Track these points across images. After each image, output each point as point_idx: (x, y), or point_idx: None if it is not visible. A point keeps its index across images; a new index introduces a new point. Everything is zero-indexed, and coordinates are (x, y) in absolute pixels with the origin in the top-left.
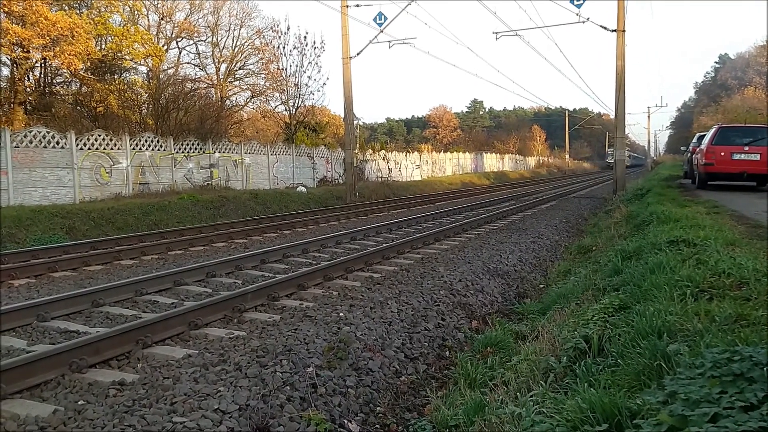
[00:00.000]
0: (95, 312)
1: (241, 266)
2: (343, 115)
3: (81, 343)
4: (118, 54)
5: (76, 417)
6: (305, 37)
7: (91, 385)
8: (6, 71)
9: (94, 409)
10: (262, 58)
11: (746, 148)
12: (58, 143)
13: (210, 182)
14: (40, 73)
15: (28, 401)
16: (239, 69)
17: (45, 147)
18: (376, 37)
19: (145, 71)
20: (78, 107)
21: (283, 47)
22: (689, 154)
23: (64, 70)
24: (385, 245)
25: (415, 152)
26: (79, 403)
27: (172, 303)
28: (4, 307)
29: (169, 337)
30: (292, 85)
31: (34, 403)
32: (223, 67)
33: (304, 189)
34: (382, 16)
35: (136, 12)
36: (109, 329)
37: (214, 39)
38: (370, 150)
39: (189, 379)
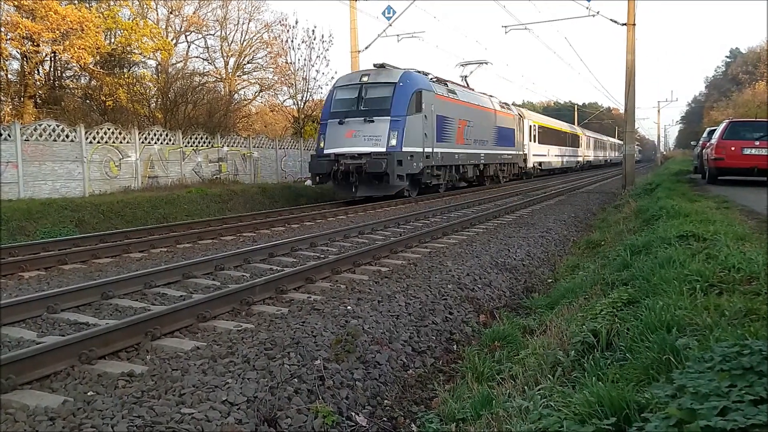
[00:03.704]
0: (105, 304)
1: (249, 259)
2: None
3: (90, 335)
4: (128, 48)
5: (85, 408)
6: (314, 30)
7: (100, 377)
8: (16, 65)
9: (103, 400)
10: (270, 52)
11: (757, 143)
12: (67, 137)
13: (218, 176)
14: (50, 66)
15: (38, 392)
16: (248, 63)
17: (55, 140)
18: (384, 30)
19: (154, 65)
20: (87, 101)
21: (292, 41)
22: (699, 149)
23: (74, 64)
24: (393, 239)
25: None
26: (89, 394)
27: (181, 296)
28: (15, 299)
29: (178, 329)
30: (301, 79)
31: (44, 393)
32: (231, 61)
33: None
34: (391, 10)
35: (145, 6)
36: (119, 321)
37: (223, 33)
38: None
39: (197, 371)
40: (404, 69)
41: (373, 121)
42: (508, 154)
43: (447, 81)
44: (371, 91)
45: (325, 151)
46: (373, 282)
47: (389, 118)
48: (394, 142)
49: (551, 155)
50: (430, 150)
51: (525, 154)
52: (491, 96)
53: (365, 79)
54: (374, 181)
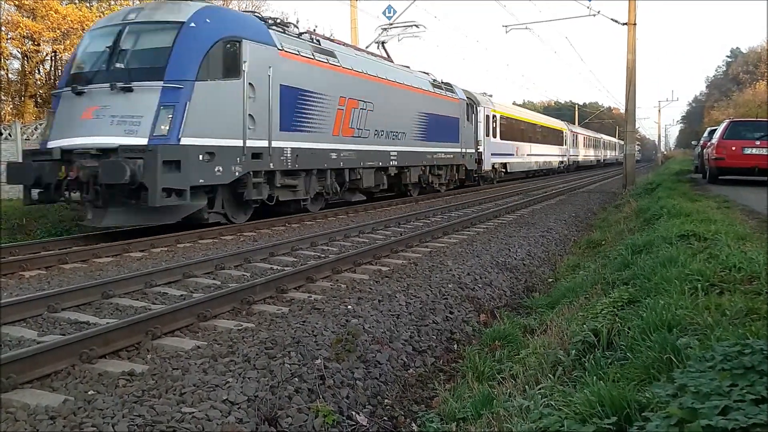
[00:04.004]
0: (105, 303)
1: (249, 259)
2: None
3: (91, 334)
4: None
5: (86, 407)
6: (315, 30)
7: (101, 376)
8: (17, 64)
9: (103, 399)
10: None
11: (758, 143)
12: None
13: None
14: (51, 66)
15: (39, 391)
16: None
17: None
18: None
19: None
20: None
21: None
22: (700, 149)
23: None
24: (393, 239)
25: None
26: (89, 393)
27: (181, 295)
28: (16, 298)
29: (178, 328)
30: None
31: (45, 392)
32: None
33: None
34: (392, 9)
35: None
36: (119, 320)
37: None
38: None
39: (198, 370)
40: (208, 3)
41: (131, 90)
42: (445, 153)
43: (323, 37)
44: (141, 39)
45: (49, 145)
46: (374, 281)
47: (161, 84)
48: (165, 127)
49: (521, 154)
50: (263, 144)
51: (479, 153)
52: (425, 72)
53: (133, 16)
54: (129, 200)
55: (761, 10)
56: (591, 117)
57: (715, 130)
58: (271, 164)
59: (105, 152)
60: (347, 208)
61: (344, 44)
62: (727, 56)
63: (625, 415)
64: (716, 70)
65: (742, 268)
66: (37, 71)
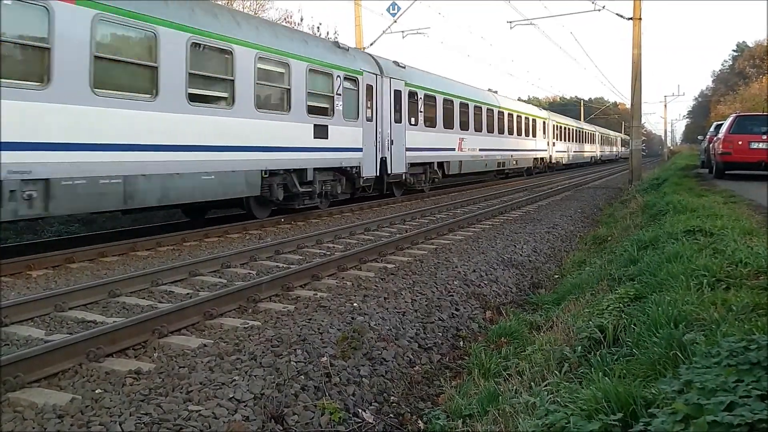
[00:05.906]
0: (112, 302)
1: (255, 257)
2: None
3: (98, 333)
4: None
5: (93, 405)
6: (318, 28)
7: (108, 374)
8: None
9: (111, 397)
10: None
11: (764, 137)
12: None
13: None
14: None
15: (46, 390)
16: None
17: None
18: (389, 27)
19: None
20: None
21: None
22: (706, 144)
23: None
24: (398, 236)
25: None
26: (97, 391)
27: (188, 293)
28: (23, 297)
29: (185, 326)
30: None
31: (52, 391)
32: None
33: None
34: (396, 6)
35: None
36: (126, 319)
37: None
38: None
39: (204, 369)
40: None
41: None
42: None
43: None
44: None
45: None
46: (379, 279)
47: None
48: None
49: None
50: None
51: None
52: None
53: None
54: None
55: (762, 9)
56: (596, 112)
57: (722, 124)
58: None
59: None
60: (352, 206)
61: None
62: (734, 50)
63: (631, 411)
64: (722, 65)
65: (748, 263)
66: None
